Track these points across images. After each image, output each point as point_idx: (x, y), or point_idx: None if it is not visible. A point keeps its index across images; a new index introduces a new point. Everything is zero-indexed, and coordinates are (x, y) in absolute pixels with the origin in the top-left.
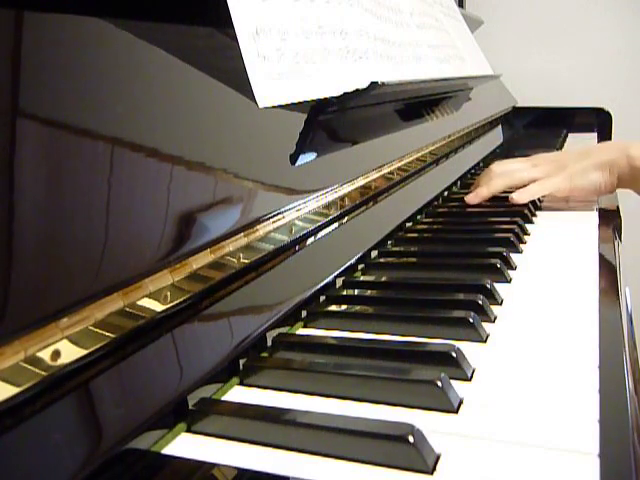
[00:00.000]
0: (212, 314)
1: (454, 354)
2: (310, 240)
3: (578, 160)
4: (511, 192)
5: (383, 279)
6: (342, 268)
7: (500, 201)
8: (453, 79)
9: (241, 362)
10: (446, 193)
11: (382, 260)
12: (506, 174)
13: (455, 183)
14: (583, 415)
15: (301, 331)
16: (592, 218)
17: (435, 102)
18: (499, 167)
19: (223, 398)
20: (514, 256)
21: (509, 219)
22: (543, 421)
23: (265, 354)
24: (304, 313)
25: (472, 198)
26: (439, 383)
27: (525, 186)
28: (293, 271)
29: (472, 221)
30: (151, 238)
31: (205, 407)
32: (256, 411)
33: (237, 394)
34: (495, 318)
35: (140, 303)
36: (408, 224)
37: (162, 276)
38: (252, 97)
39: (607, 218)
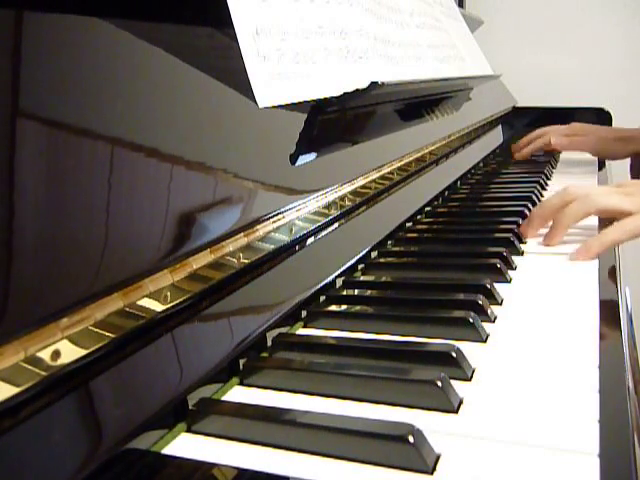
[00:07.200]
0: (212, 314)
1: (454, 354)
2: (310, 240)
3: None
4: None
5: (383, 279)
6: (342, 268)
7: (500, 200)
8: (453, 79)
9: (241, 362)
10: (446, 193)
11: (382, 260)
12: (588, 198)
13: (455, 183)
14: (583, 415)
15: (301, 331)
16: (592, 218)
17: (435, 102)
18: (579, 189)
19: (223, 398)
20: (514, 256)
21: (509, 219)
22: (543, 421)
23: (265, 354)
24: (304, 313)
25: (550, 237)
26: (439, 383)
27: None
28: (293, 271)
29: (472, 221)
30: (151, 238)
31: (205, 407)
32: (256, 411)
33: (237, 394)
34: (495, 318)
35: (140, 303)
36: (408, 224)
37: (162, 276)
38: (252, 97)
39: (607, 218)
